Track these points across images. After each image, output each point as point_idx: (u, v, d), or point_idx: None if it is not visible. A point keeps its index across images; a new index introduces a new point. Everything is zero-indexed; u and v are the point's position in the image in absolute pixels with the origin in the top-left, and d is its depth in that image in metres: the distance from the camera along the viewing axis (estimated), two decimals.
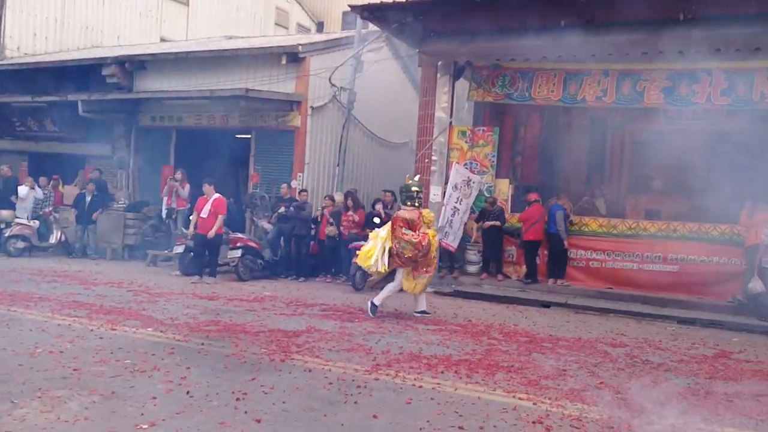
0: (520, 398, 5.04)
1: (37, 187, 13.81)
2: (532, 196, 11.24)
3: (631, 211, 12.16)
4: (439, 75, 11.87)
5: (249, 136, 14.41)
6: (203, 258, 11.13)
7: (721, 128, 13.00)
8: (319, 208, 12.31)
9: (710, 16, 9.65)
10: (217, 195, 10.99)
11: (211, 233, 10.77)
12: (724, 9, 9.49)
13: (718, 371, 6.31)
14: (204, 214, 10.85)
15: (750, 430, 4.56)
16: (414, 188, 8.42)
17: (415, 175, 8.94)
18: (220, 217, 10.89)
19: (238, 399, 4.67)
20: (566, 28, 10.52)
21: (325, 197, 12.59)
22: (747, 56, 9.61)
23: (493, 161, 11.81)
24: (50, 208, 13.79)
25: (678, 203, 12.18)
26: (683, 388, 5.58)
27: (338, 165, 14.25)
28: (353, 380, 5.29)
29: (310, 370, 5.53)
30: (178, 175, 13.15)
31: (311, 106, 13.70)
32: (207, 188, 11.08)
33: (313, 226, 12.27)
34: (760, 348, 7.65)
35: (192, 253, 11.40)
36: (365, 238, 10.97)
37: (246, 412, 4.40)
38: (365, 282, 10.76)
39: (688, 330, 8.69)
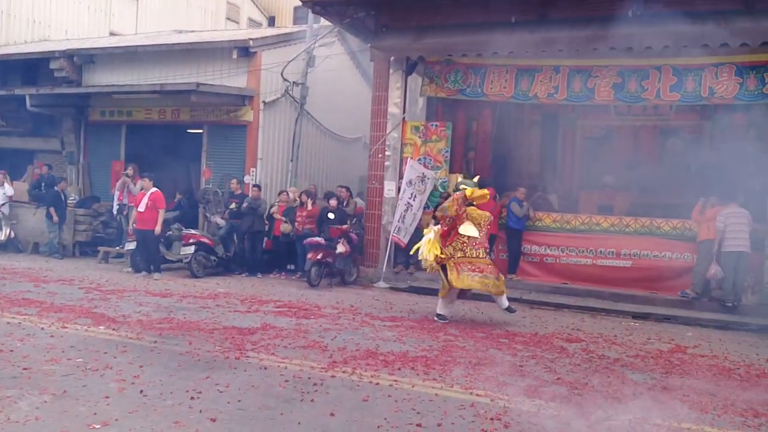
0: (477, 395, 5.02)
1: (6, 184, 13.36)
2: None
3: (584, 206, 12.33)
4: (391, 70, 11.82)
5: (201, 131, 14.09)
6: (147, 254, 10.88)
7: (671, 124, 13.37)
8: (274, 204, 12.12)
9: (659, 13, 9.85)
10: (154, 189, 10.78)
11: (158, 229, 10.60)
12: (672, 6, 9.69)
13: (673, 366, 6.41)
14: (141, 207, 10.66)
15: (707, 424, 4.62)
16: (461, 186, 8.16)
17: (475, 176, 8.51)
18: (161, 211, 10.70)
19: (192, 398, 4.52)
20: (517, 24, 10.62)
21: (280, 192, 12.40)
22: (695, 52, 9.82)
23: (447, 156, 11.81)
24: None
25: (629, 198, 12.42)
26: (640, 384, 5.65)
27: (292, 160, 14.06)
28: (309, 378, 5.18)
29: (265, 368, 5.39)
30: (130, 171, 12.76)
31: (263, 101, 13.47)
32: (145, 182, 10.90)
33: (267, 222, 12.07)
34: (714, 342, 7.81)
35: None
36: (320, 234, 10.90)
37: (201, 411, 4.27)
38: (320, 278, 10.64)
39: (643, 325, 8.83)
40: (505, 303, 8.18)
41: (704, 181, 11.14)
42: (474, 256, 7.98)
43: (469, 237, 7.97)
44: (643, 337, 7.86)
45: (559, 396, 5.07)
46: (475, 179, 8.56)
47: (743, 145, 11.99)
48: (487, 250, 8.25)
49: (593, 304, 9.84)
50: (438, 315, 8.14)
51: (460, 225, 7.98)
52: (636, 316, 9.30)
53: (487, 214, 8.41)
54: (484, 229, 8.13)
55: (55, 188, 13.38)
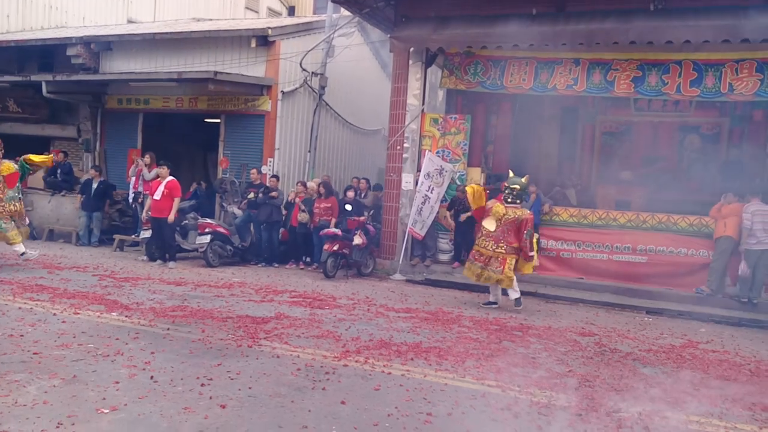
0: (489, 385, 5.03)
1: None
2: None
3: (601, 201, 12.26)
4: (411, 61, 11.79)
5: (218, 120, 14.14)
6: (162, 242, 10.98)
7: (689, 120, 13.22)
8: (291, 192, 12.17)
9: (680, 8, 9.74)
10: (170, 177, 10.85)
11: (171, 217, 10.63)
12: (693, 1, 9.58)
13: (685, 360, 6.38)
14: (157, 196, 10.72)
15: (715, 418, 4.61)
16: (513, 185, 8.56)
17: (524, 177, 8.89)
18: (177, 200, 10.75)
19: (203, 384, 4.57)
20: (538, 17, 10.53)
21: (298, 183, 12.44)
22: (716, 48, 9.71)
23: (465, 149, 11.78)
24: None
25: (646, 194, 12.31)
26: (651, 377, 5.62)
27: (309, 151, 14.09)
28: (321, 367, 5.22)
29: (278, 357, 5.44)
30: (147, 159, 12.85)
31: (282, 91, 13.49)
32: (162, 170, 10.95)
33: (284, 212, 12.13)
34: (726, 338, 7.76)
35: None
36: (337, 226, 10.94)
37: (211, 398, 4.31)
38: (336, 269, 10.68)
39: (657, 320, 8.80)
40: (513, 295, 8.58)
41: (722, 177, 11.01)
42: (483, 246, 8.52)
43: (487, 230, 8.50)
44: (656, 332, 7.82)
45: (570, 388, 5.06)
46: (524, 179, 8.78)
47: (762, 142, 11.84)
48: (509, 246, 8.42)
49: (608, 299, 9.79)
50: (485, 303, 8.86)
51: (484, 219, 8.59)
52: (650, 311, 9.25)
53: (521, 211, 8.52)
54: (504, 224, 8.42)
55: (88, 177, 13.50)
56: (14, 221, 9.36)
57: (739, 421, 4.57)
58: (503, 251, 8.39)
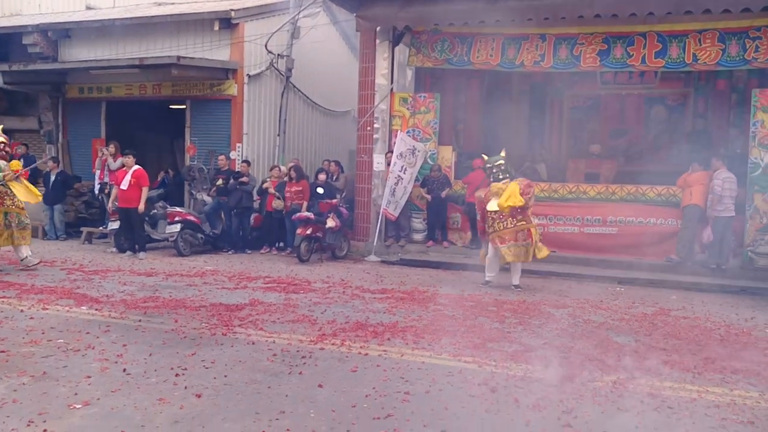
0: (465, 361, 5.05)
1: None
2: (477, 162, 11.28)
3: (571, 175, 12.37)
4: (378, 40, 11.68)
5: (183, 106, 13.89)
6: (131, 232, 10.79)
7: (655, 92, 13.38)
8: (266, 179, 12.04)
9: None
10: (137, 166, 10.63)
11: (141, 207, 10.46)
12: None
13: (657, 328, 6.49)
14: (124, 185, 10.51)
15: (687, 382, 4.70)
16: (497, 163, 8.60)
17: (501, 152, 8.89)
18: (145, 189, 10.56)
19: (177, 375, 4.51)
20: None
21: (273, 167, 12.30)
22: (679, 19, 9.81)
23: (436, 128, 11.75)
24: None
25: (615, 166, 12.46)
26: (624, 346, 5.71)
27: (279, 135, 13.93)
28: (298, 351, 5.19)
29: (253, 343, 5.39)
30: (111, 148, 12.56)
31: (248, 74, 13.28)
32: (128, 160, 10.73)
33: (257, 198, 12.00)
34: (696, 304, 7.91)
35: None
36: (309, 209, 10.86)
37: (186, 387, 4.25)
38: (310, 253, 10.62)
39: (629, 289, 8.93)
40: (515, 281, 8.58)
41: (689, 147, 11.18)
42: (500, 228, 8.43)
43: (495, 212, 8.43)
44: (628, 302, 7.95)
45: (545, 360, 5.12)
46: (502, 153, 8.80)
47: (726, 111, 12.04)
48: (520, 217, 8.40)
49: (580, 271, 9.91)
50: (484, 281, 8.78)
51: (488, 203, 8.53)
52: (622, 281, 9.40)
53: (516, 181, 8.50)
54: (507, 199, 8.29)
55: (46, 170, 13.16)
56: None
57: (711, 384, 4.67)
58: (524, 222, 8.40)
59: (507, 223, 8.37)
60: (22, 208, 8.96)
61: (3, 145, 9.10)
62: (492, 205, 8.45)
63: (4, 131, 9.54)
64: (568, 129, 14.20)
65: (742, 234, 9.82)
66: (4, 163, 8.99)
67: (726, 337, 6.20)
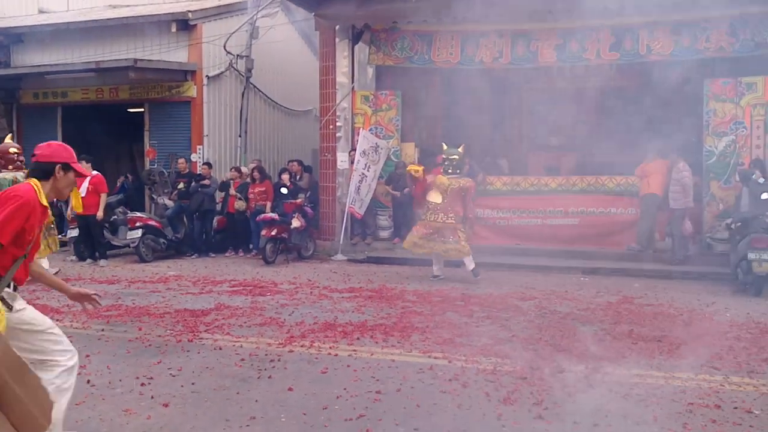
0: (435, 357, 5.07)
1: None
2: (441, 158, 11.31)
3: (533, 168, 12.54)
4: (337, 39, 11.64)
5: (142, 109, 13.63)
6: (90, 240, 10.56)
7: (611, 84, 13.62)
8: (226, 178, 11.90)
9: None
10: (95, 172, 10.38)
11: (100, 214, 10.22)
12: None
13: (622, 316, 6.62)
14: (82, 192, 10.26)
15: (654, 369, 4.79)
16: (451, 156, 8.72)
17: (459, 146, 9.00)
18: (103, 195, 10.33)
19: (143, 384, 4.41)
20: None
21: (232, 169, 12.15)
22: (632, 12, 9.99)
23: (398, 125, 11.78)
24: None
25: (575, 158, 12.66)
26: (591, 335, 5.80)
27: (240, 136, 13.78)
28: (266, 355, 5.13)
29: (220, 348, 5.31)
30: None
31: (207, 75, 13.11)
32: (84, 165, 10.39)
33: (219, 201, 11.83)
34: (659, 291, 8.09)
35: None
36: (273, 210, 10.76)
37: (152, 397, 4.17)
38: (276, 255, 10.53)
39: (593, 279, 9.09)
40: (470, 266, 8.67)
41: (645, 137, 11.42)
42: (432, 219, 8.60)
43: (434, 203, 8.60)
44: (593, 291, 8.09)
45: (514, 352, 5.17)
46: (460, 148, 8.94)
47: (680, 100, 12.31)
48: (457, 215, 8.59)
49: (545, 262, 10.05)
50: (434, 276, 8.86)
51: (428, 193, 8.70)
52: (585, 271, 9.56)
53: (464, 180, 8.73)
54: (450, 195, 8.58)
55: None
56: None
57: (676, 370, 4.77)
58: (453, 221, 8.53)
59: (438, 216, 8.55)
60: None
61: (17, 155, 8.78)
62: (434, 197, 8.63)
63: None
64: (528, 123, 14.37)
65: (701, 222, 10.05)
66: (22, 174, 8.70)
67: (689, 323, 6.34)
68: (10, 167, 8.58)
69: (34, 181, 3.12)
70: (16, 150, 8.72)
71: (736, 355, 5.17)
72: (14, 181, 8.50)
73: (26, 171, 8.82)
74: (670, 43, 10.15)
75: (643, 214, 10.23)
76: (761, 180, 8.82)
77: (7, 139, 9.09)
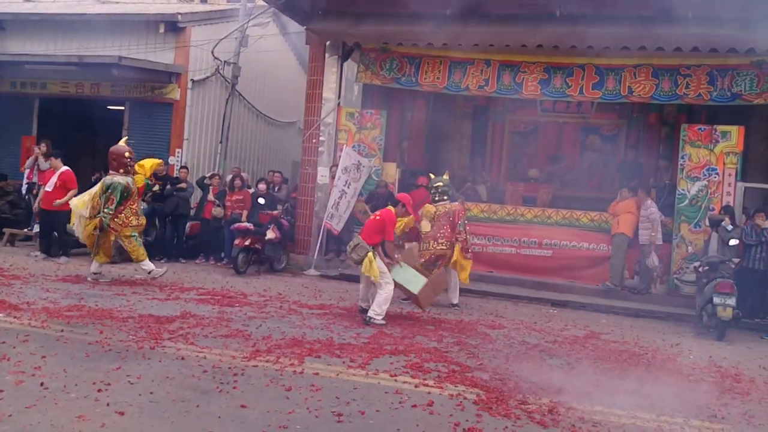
0: (403, 381, 5.02)
1: None
2: (422, 180, 11.39)
3: (510, 197, 12.64)
4: (327, 55, 11.67)
5: (122, 107, 13.44)
6: (51, 236, 10.34)
7: (591, 121, 13.93)
8: (206, 176, 11.80)
9: (584, 15, 10.20)
10: (65, 168, 10.19)
11: (58, 202, 9.89)
12: (596, 10, 10.11)
13: (588, 351, 6.66)
14: (49, 187, 10.07)
15: (616, 407, 4.80)
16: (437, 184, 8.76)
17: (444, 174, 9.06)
18: (71, 192, 10.06)
19: (100, 390, 4.28)
20: (451, 17, 10.68)
21: (214, 176, 12.02)
22: (616, 54, 10.23)
23: (381, 144, 11.79)
24: None
25: (552, 191, 12.82)
26: (556, 368, 5.82)
27: (221, 142, 13.67)
28: (230, 368, 5.03)
29: (182, 358, 5.19)
30: (43, 147, 11.95)
31: (192, 79, 13.00)
32: (54, 161, 10.30)
33: (194, 206, 11.68)
34: (625, 329, 8.18)
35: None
36: (249, 219, 10.64)
37: (108, 404, 4.04)
38: (248, 265, 10.40)
39: (561, 312, 9.16)
40: (453, 300, 8.75)
41: (620, 176, 11.63)
42: (424, 249, 8.61)
43: (424, 232, 8.71)
44: (561, 324, 8.14)
45: (481, 381, 5.15)
46: (445, 175, 9.01)
47: (656, 143, 12.61)
48: (448, 240, 8.54)
49: (516, 291, 10.10)
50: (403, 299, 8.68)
51: (420, 224, 8.77)
52: (555, 303, 9.64)
53: (450, 205, 8.75)
54: (438, 221, 8.61)
55: None
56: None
57: (639, 409, 4.79)
58: (444, 246, 8.51)
59: (429, 245, 8.57)
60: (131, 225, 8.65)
61: (129, 159, 8.55)
62: (425, 226, 8.73)
63: None
64: (508, 153, 14.58)
65: (669, 261, 10.22)
66: (132, 179, 8.53)
67: (653, 363, 6.40)
68: (121, 171, 8.44)
69: None
70: (129, 154, 8.54)
71: (697, 399, 5.21)
72: (127, 186, 8.35)
73: (135, 176, 8.70)
74: (651, 85, 10.38)
75: (614, 252, 10.37)
76: (729, 227, 9.04)
77: (122, 142, 8.94)
